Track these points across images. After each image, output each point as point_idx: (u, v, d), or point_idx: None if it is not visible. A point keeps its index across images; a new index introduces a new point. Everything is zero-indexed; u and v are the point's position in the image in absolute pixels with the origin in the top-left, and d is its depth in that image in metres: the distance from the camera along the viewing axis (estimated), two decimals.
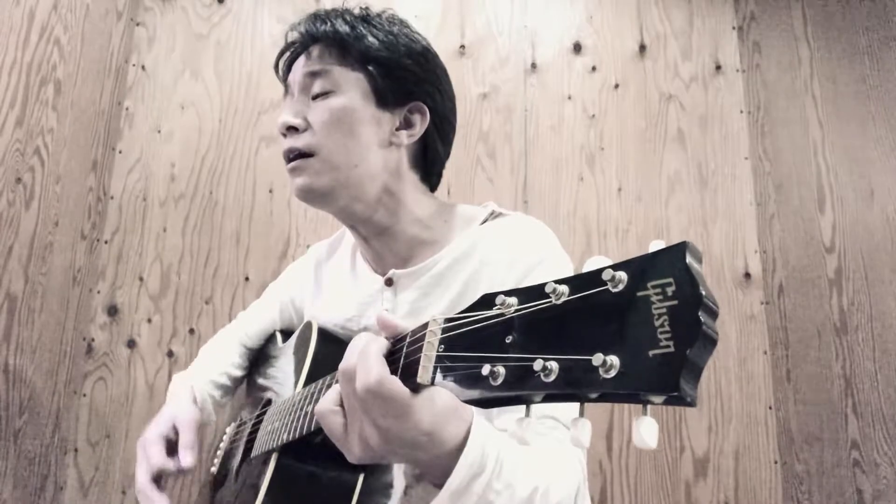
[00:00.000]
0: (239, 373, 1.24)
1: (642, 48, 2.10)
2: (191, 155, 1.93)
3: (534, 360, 0.40)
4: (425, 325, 0.52)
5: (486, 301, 0.47)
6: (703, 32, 2.13)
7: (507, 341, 0.43)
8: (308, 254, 1.27)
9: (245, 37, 2.03)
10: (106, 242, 1.85)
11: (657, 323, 0.34)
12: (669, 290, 0.35)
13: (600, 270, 0.39)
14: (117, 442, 1.75)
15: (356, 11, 0.98)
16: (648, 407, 0.36)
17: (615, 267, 0.38)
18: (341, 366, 0.57)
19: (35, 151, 1.60)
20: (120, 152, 1.92)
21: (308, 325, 1.04)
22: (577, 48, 2.09)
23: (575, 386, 0.37)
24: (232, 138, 1.95)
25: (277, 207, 1.91)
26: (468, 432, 0.58)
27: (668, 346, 0.33)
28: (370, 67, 0.94)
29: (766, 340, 1.90)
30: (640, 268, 0.37)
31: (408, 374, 0.52)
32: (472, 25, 2.08)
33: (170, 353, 1.80)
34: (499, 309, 0.45)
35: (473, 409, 0.58)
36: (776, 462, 1.82)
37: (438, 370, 0.49)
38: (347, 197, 0.93)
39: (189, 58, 2.00)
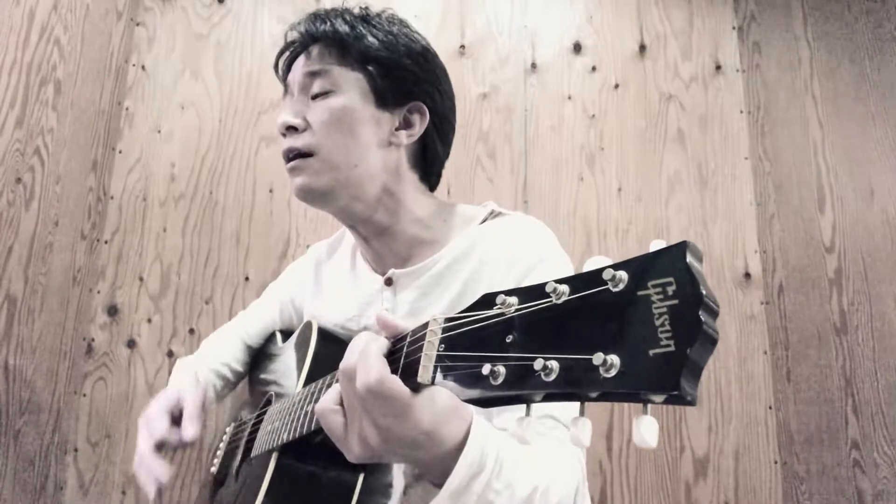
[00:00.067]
0: (240, 368, 1.24)
1: (642, 48, 2.10)
2: (191, 155, 1.93)
3: (534, 359, 0.40)
4: (425, 325, 0.52)
5: (487, 301, 0.47)
6: (703, 32, 2.13)
7: (508, 341, 0.43)
8: (308, 254, 1.27)
9: (245, 37, 2.03)
10: (106, 242, 1.85)
11: (658, 322, 0.34)
12: (670, 290, 0.35)
13: (601, 270, 0.39)
14: (117, 442, 1.75)
15: (356, 11, 0.98)
16: (649, 406, 0.36)
17: (616, 266, 0.38)
18: (342, 365, 0.57)
19: (35, 151, 1.60)
20: (120, 152, 1.92)
21: (308, 325, 1.04)
22: (577, 48, 2.09)
23: (575, 385, 0.37)
24: (232, 138, 1.95)
25: (277, 207, 1.91)
26: (468, 432, 0.58)
27: (668, 346, 0.33)
28: (370, 67, 0.94)
29: (766, 340, 1.90)
30: (641, 267, 0.37)
31: (408, 373, 0.52)
32: (472, 25, 2.08)
33: (170, 353, 1.80)
34: (499, 308, 0.45)
35: (473, 408, 0.58)
36: (776, 462, 1.82)
37: (439, 370, 0.49)
38: (347, 197, 0.93)
39: (189, 58, 2.00)
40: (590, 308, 0.39)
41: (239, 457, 1.06)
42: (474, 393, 0.44)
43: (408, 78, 0.96)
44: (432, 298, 0.94)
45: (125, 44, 1.96)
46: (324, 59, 0.94)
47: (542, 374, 0.39)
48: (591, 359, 0.36)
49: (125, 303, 1.82)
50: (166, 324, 1.82)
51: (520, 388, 0.41)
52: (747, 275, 1.94)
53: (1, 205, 1.50)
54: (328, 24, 0.95)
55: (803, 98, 2.08)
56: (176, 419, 1.00)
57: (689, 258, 0.35)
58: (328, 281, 1.15)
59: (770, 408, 1.85)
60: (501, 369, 0.42)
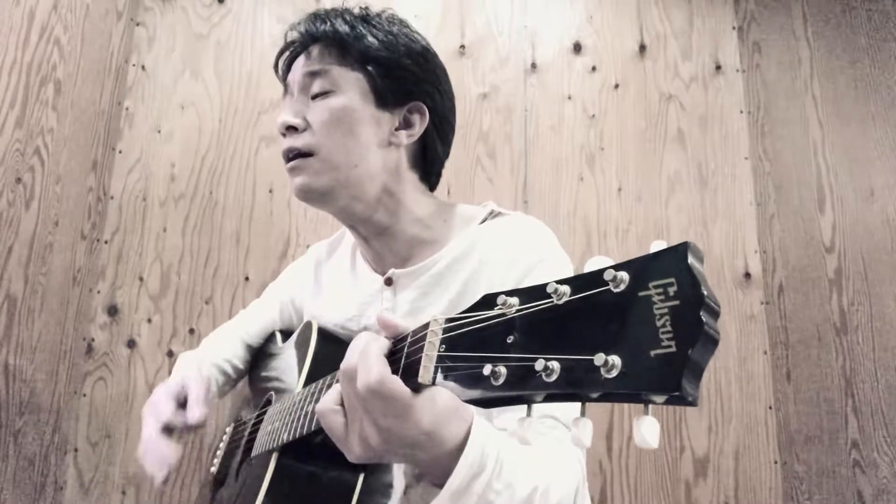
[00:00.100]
0: (241, 365, 1.24)
1: (642, 48, 2.10)
2: (191, 155, 1.93)
3: (535, 360, 0.40)
4: (426, 326, 0.52)
5: (488, 301, 0.47)
6: (703, 32, 2.13)
7: (509, 341, 0.43)
8: (308, 254, 1.27)
9: (245, 37, 2.03)
10: (106, 242, 1.85)
11: (659, 323, 0.34)
12: (671, 290, 0.35)
13: (602, 271, 0.39)
14: (117, 442, 1.75)
15: (356, 11, 0.98)
16: (650, 407, 0.36)
17: (617, 267, 0.38)
18: (342, 365, 0.57)
19: (35, 151, 1.60)
20: (120, 152, 1.92)
21: (308, 325, 1.04)
22: (577, 48, 2.09)
23: (576, 386, 0.37)
24: (232, 138, 1.95)
25: (277, 207, 1.91)
26: (468, 432, 0.58)
27: (669, 346, 0.33)
28: (370, 67, 0.94)
29: (766, 340, 1.90)
30: (642, 268, 0.37)
31: (409, 373, 0.52)
32: (472, 25, 2.08)
33: (170, 353, 1.80)
34: (500, 309, 0.45)
35: (473, 409, 0.58)
36: (776, 462, 1.82)
37: (439, 370, 0.49)
38: (347, 197, 0.93)
39: (189, 58, 2.00)
40: (591, 309, 0.39)
41: (239, 457, 1.07)
42: (475, 393, 0.44)
43: (408, 78, 0.96)
44: (432, 298, 0.94)
45: (125, 44, 1.96)
46: (324, 59, 0.94)
47: (544, 374, 0.39)
48: (592, 359, 0.36)
49: (125, 303, 1.82)
50: (166, 324, 1.82)
51: (521, 389, 0.41)
52: (747, 275, 1.94)
53: (1, 205, 1.50)
54: (328, 24, 0.95)
55: (803, 98, 2.08)
56: (181, 405, 1.00)
57: (690, 259, 0.35)
58: (328, 281, 1.15)
59: (770, 408, 1.85)
60: (502, 370, 0.42)
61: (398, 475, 0.88)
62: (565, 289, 0.41)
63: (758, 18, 2.15)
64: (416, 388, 0.53)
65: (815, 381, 1.87)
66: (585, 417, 0.40)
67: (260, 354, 1.27)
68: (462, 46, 2.06)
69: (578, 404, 0.40)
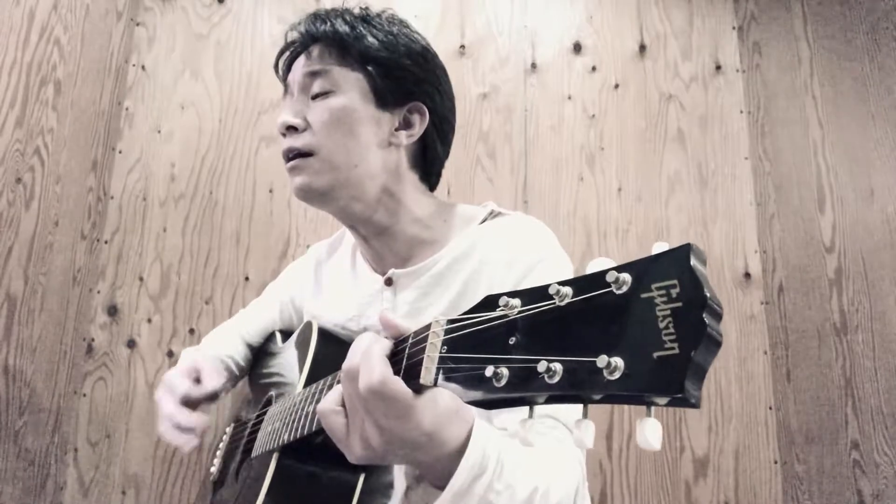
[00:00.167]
0: (243, 363, 1.24)
1: (642, 48, 2.10)
2: (191, 155, 1.93)
3: (538, 361, 0.40)
4: (428, 327, 0.52)
5: (490, 302, 0.47)
6: (703, 32, 2.13)
7: (511, 343, 0.43)
8: (308, 254, 1.27)
9: (245, 37, 2.03)
10: (106, 242, 1.85)
11: (661, 325, 0.34)
12: (674, 292, 0.35)
13: (604, 272, 0.39)
14: (117, 442, 1.74)
15: (356, 11, 0.98)
16: (652, 408, 0.36)
17: (619, 269, 0.38)
18: (344, 365, 0.57)
19: (35, 151, 1.60)
20: (120, 152, 1.92)
21: (308, 325, 1.04)
22: (577, 48, 2.09)
23: (579, 387, 0.37)
24: (232, 138, 1.95)
25: (277, 207, 1.91)
26: (469, 434, 0.58)
27: (672, 348, 0.33)
28: (370, 67, 0.94)
29: (766, 340, 1.90)
30: (644, 269, 0.37)
31: (410, 374, 0.52)
32: (472, 25, 2.08)
33: (170, 353, 1.80)
34: (502, 310, 0.45)
35: (473, 409, 0.58)
36: (776, 462, 1.82)
37: (441, 371, 0.49)
38: (347, 197, 0.93)
39: (189, 58, 2.00)
40: (593, 310, 0.39)
41: (239, 457, 1.07)
42: (477, 394, 0.44)
43: (408, 78, 0.96)
44: (432, 298, 0.94)
45: (125, 44, 1.96)
46: (324, 59, 0.94)
47: (546, 376, 0.39)
48: (594, 361, 0.36)
49: (125, 303, 1.82)
50: (166, 324, 1.82)
51: (523, 390, 0.41)
52: (747, 275, 1.95)
53: (1, 205, 1.50)
54: (328, 24, 0.95)
55: (803, 98, 2.08)
56: (196, 382, 1.03)
57: (692, 260, 0.35)
58: (328, 281, 1.15)
59: (770, 408, 1.85)
60: (504, 371, 0.42)
61: (399, 476, 0.88)
62: (567, 290, 0.41)
63: (758, 18, 2.15)
64: (418, 389, 0.53)
65: (815, 381, 1.87)
66: (588, 419, 0.40)
67: (260, 354, 1.27)
68: (462, 46, 2.06)
69: (579, 405, 0.40)
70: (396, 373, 0.54)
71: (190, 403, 1.00)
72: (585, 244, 1.94)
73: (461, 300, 0.91)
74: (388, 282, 0.98)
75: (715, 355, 0.34)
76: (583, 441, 0.40)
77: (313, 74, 0.94)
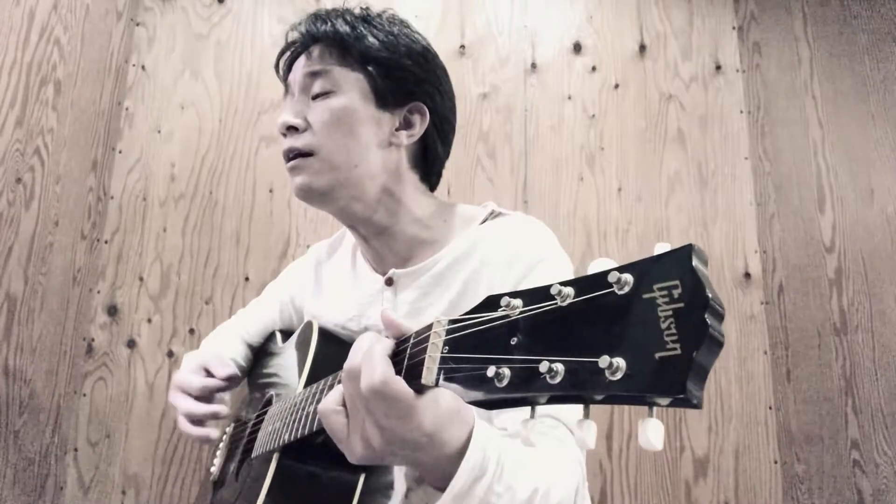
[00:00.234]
0: (244, 364, 1.24)
1: (642, 48, 2.10)
2: (191, 155, 1.93)
3: (539, 361, 0.40)
4: (429, 327, 0.52)
5: (491, 303, 0.46)
6: (703, 32, 2.13)
7: (512, 343, 0.43)
8: (308, 254, 1.27)
9: (245, 37, 2.03)
10: (106, 242, 1.85)
11: (663, 325, 0.34)
12: (676, 293, 0.35)
13: (606, 272, 0.39)
14: (117, 442, 1.74)
15: (356, 11, 0.98)
16: (654, 409, 0.36)
17: (621, 269, 0.38)
18: (346, 365, 0.57)
19: (35, 151, 1.60)
20: (120, 152, 1.92)
21: (309, 325, 1.04)
22: (577, 48, 2.09)
23: (581, 388, 0.37)
24: (232, 138, 1.95)
25: (277, 207, 1.91)
26: (470, 435, 0.58)
27: (674, 349, 0.33)
28: (370, 68, 0.93)
29: (766, 340, 1.90)
30: (646, 270, 0.37)
31: (412, 375, 0.52)
32: (472, 25, 2.08)
33: (170, 353, 1.80)
34: (503, 311, 0.45)
35: (474, 410, 0.58)
36: (776, 462, 1.82)
37: (443, 371, 0.49)
38: (347, 197, 0.93)
39: (189, 58, 2.00)
40: (595, 311, 0.39)
41: (239, 457, 1.06)
42: (479, 395, 0.44)
43: (408, 78, 0.96)
44: (432, 298, 0.94)
45: (125, 44, 1.96)
46: (324, 59, 0.94)
47: (548, 376, 0.39)
48: (596, 361, 0.36)
49: (125, 303, 1.82)
50: (166, 324, 1.82)
51: (525, 391, 0.41)
52: (747, 275, 1.95)
53: (1, 205, 1.50)
54: (329, 24, 0.94)
55: (803, 98, 2.08)
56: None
57: (694, 261, 0.35)
58: (328, 281, 1.15)
59: (770, 408, 1.85)
60: (506, 371, 0.42)
61: (399, 477, 0.88)
62: (569, 291, 0.41)
63: (758, 18, 2.15)
64: (419, 389, 0.53)
65: (815, 381, 1.87)
66: (590, 420, 0.40)
67: (260, 354, 1.27)
68: (462, 46, 2.06)
69: (580, 405, 0.40)
70: (398, 373, 0.54)
71: (204, 397, 1.03)
72: (585, 244, 1.94)
73: (461, 300, 0.91)
74: (389, 282, 0.98)
75: (717, 356, 0.34)
76: (585, 441, 0.40)
77: (314, 74, 0.94)
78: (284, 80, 1.01)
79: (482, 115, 2.02)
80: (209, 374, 1.06)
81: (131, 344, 1.80)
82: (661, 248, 0.37)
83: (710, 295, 0.33)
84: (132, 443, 1.74)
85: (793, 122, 2.06)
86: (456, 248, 0.95)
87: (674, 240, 1.91)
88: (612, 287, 0.38)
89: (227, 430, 1.25)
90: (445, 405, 0.56)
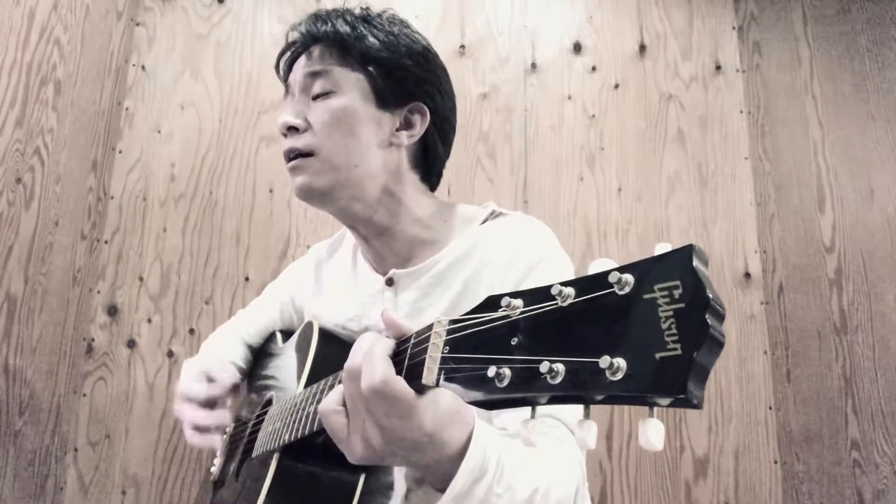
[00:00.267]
0: (245, 366, 1.24)
1: (642, 48, 2.10)
2: (191, 155, 1.93)
3: (540, 362, 0.40)
4: (430, 327, 0.52)
5: (492, 303, 0.46)
6: (703, 32, 2.13)
7: (513, 343, 0.43)
8: (308, 254, 1.27)
9: (245, 37, 2.03)
10: (106, 242, 1.85)
11: (664, 325, 0.34)
12: (676, 293, 0.35)
13: (606, 273, 0.39)
14: (117, 442, 1.74)
15: (357, 11, 0.98)
16: (654, 409, 0.36)
17: (622, 269, 0.38)
18: (346, 365, 0.57)
19: (35, 151, 1.60)
20: (120, 152, 1.92)
21: (309, 326, 1.04)
22: (577, 48, 2.09)
23: (581, 388, 0.37)
24: (232, 138, 1.95)
25: (277, 207, 1.91)
26: (470, 436, 0.58)
27: (675, 349, 0.33)
28: (370, 68, 0.93)
29: (766, 340, 1.90)
30: (647, 270, 0.37)
31: (412, 375, 0.52)
32: (472, 25, 2.08)
33: (170, 353, 1.80)
34: (504, 311, 0.45)
35: (475, 411, 0.58)
36: (776, 462, 1.82)
37: (443, 372, 0.49)
38: (347, 197, 0.93)
39: (189, 58, 2.00)
40: (596, 311, 0.39)
41: (239, 457, 1.06)
42: (479, 395, 0.44)
43: (409, 78, 0.96)
44: (433, 298, 0.94)
45: (125, 44, 1.96)
46: (325, 59, 0.94)
47: (548, 376, 0.39)
48: (597, 362, 0.36)
49: (125, 303, 1.82)
50: (166, 324, 1.82)
51: (525, 391, 0.41)
52: (747, 275, 1.95)
53: (1, 205, 1.50)
54: (329, 24, 0.94)
55: (803, 98, 2.08)
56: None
57: (695, 261, 0.35)
58: (329, 281, 1.14)
59: (770, 408, 1.85)
60: (507, 371, 0.42)
61: (399, 478, 0.88)
62: (570, 291, 0.41)
63: (758, 18, 2.15)
64: (420, 389, 0.53)
65: (815, 381, 1.87)
66: (590, 420, 0.40)
67: (260, 354, 1.27)
68: (462, 46, 2.06)
69: (581, 405, 0.40)
70: (398, 373, 0.54)
71: (209, 404, 1.03)
72: (585, 244, 1.94)
73: (462, 300, 0.91)
74: (390, 282, 0.98)
75: (717, 356, 0.34)
76: (585, 441, 0.40)
77: (314, 75, 0.94)
78: (285, 80, 1.01)
79: (482, 115, 2.02)
80: (211, 379, 1.06)
81: (131, 344, 1.80)
82: (661, 248, 0.37)
83: (710, 295, 0.33)
84: (132, 443, 1.74)
85: (793, 122, 2.07)
86: (456, 248, 0.95)
87: (674, 240, 1.91)
88: (612, 287, 0.38)
89: (228, 430, 1.25)
90: (446, 405, 0.56)
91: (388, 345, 0.57)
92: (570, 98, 2.05)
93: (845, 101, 2.06)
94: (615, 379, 0.35)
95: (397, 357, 0.56)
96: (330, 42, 0.94)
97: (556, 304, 0.41)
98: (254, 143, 1.95)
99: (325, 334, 1.01)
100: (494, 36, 2.08)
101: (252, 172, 1.93)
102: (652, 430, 0.36)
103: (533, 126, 2.02)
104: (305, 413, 0.77)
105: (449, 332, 0.50)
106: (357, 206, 0.95)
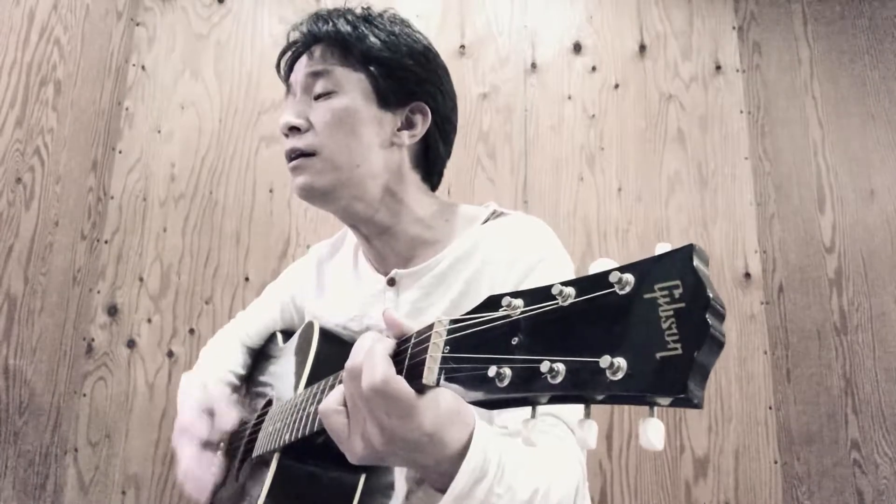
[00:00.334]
0: (244, 372, 1.24)
1: (642, 48, 2.10)
2: (191, 155, 1.93)
3: (540, 361, 0.40)
4: (430, 327, 0.52)
5: (492, 303, 0.46)
6: (703, 32, 2.13)
7: (514, 343, 0.43)
8: (309, 254, 1.26)
9: (245, 37, 2.03)
10: (106, 242, 1.85)
11: (664, 325, 0.34)
12: (677, 293, 0.35)
13: (607, 272, 0.39)
14: (117, 442, 1.74)
15: (358, 11, 0.98)
16: (655, 409, 0.36)
17: (622, 269, 0.38)
18: (347, 365, 0.57)
19: (35, 151, 1.60)
20: (120, 152, 1.92)
21: (310, 326, 1.04)
22: (577, 48, 2.09)
23: (582, 388, 0.37)
24: (232, 138, 1.95)
25: (277, 207, 1.91)
26: (470, 436, 0.58)
27: (675, 349, 0.33)
28: (372, 68, 0.93)
29: (766, 340, 1.90)
30: (647, 270, 0.37)
31: (413, 374, 0.52)
32: (472, 25, 2.08)
33: (170, 354, 1.80)
34: (505, 311, 0.45)
35: (475, 411, 0.58)
36: (776, 462, 1.82)
37: (444, 371, 0.49)
38: (348, 196, 0.93)
39: (189, 58, 2.00)
40: (596, 310, 0.39)
41: (239, 457, 1.06)
42: (480, 395, 0.44)
43: (410, 78, 0.96)
44: (434, 298, 0.94)
45: (125, 44, 1.96)
46: (326, 59, 0.94)
47: (549, 376, 0.39)
48: (597, 361, 0.36)
49: (125, 303, 1.82)
50: (166, 324, 1.82)
51: (526, 391, 0.41)
52: (747, 275, 1.95)
53: (1, 205, 1.50)
54: (330, 24, 0.94)
55: (803, 98, 2.08)
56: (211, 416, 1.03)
57: (695, 261, 0.35)
58: (330, 281, 1.14)
59: (770, 408, 1.85)
60: (507, 371, 0.42)
61: (399, 479, 0.88)
62: (570, 290, 0.41)
63: (758, 18, 2.15)
64: (420, 389, 0.53)
65: (815, 381, 1.87)
66: (591, 419, 0.40)
67: (261, 355, 1.27)
68: (462, 46, 2.06)
69: (581, 405, 0.41)
70: (399, 372, 0.54)
71: (209, 443, 1.00)
72: (585, 244, 1.94)
73: (463, 300, 0.91)
74: (391, 282, 0.98)
75: (718, 356, 0.34)
76: (586, 441, 0.40)
77: (315, 75, 0.94)
78: (286, 80, 1.00)
79: (482, 115, 2.02)
80: (212, 413, 1.03)
81: (131, 344, 1.80)
82: (661, 248, 0.37)
83: (711, 295, 0.33)
84: (132, 443, 1.74)
85: (793, 122, 2.07)
86: (458, 247, 0.95)
87: (674, 240, 1.91)
88: (613, 287, 0.38)
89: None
90: (446, 405, 0.56)
91: (389, 344, 0.57)
92: (570, 98, 2.05)
93: (845, 101, 2.06)
94: (616, 378, 0.35)
95: (398, 357, 0.56)
96: (331, 42, 0.94)
97: (557, 303, 0.41)
98: (254, 143, 1.95)
99: (326, 334, 1.01)
100: (494, 36, 2.08)
101: (252, 172, 1.93)
102: (652, 430, 0.36)
103: (533, 126, 2.02)
104: (306, 413, 0.77)
105: (449, 331, 0.50)
106: (358, 206, 0.95)
